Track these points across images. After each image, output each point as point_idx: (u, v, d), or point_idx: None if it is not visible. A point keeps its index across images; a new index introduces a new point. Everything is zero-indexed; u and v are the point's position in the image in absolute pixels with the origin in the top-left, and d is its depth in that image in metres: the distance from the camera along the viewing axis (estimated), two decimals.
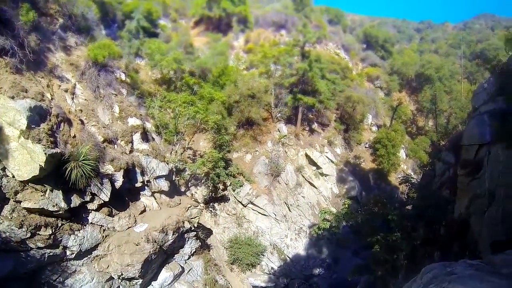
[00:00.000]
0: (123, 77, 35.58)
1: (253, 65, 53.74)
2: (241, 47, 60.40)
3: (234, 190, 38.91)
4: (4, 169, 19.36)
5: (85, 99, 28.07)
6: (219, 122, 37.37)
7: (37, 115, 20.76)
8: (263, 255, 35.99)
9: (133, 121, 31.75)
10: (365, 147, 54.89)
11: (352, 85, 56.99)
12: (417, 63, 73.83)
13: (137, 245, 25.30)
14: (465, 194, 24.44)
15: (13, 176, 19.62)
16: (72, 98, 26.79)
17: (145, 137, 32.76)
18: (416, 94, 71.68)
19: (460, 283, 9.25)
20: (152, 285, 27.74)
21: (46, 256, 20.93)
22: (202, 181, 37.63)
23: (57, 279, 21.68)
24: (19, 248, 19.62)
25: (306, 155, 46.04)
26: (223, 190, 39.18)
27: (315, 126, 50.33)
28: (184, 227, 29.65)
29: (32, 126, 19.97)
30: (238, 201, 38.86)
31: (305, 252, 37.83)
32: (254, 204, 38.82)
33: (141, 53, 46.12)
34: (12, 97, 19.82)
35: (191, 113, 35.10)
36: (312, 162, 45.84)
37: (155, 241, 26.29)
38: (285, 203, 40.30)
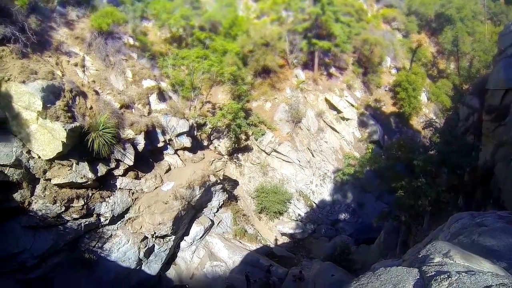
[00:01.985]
0: (131, 41, 34.11)
1: (264, 13, 50.75)
2: None
3: (256, 139, 38.24)
4: (29, 151, 19.37)
5: (96, 70, 27.16)
6: (235, 73, 36.09)
7: (51, 94, 20.27)
8: (290, 203, 35.72)
9: (147, 83, 30.76)
10: (385, 90, 52.21)
11: (368, 27, 52.72)
12: (437, 2, 66.20)
13: (166, 203, 25.33)
14: (490, 140, 23.02)
15: (39, 157, 19.65)
16: (83, 71, 26.01)
17: (162, 97, 31.82)
18: (436, 36, 65.44)
19: (492, 236, 8.54)
20: (185, 240, 28.08)
21: (82, 225, 21.31)
22: (224, 133, 36.92)
23: (96, 245, 22.13)
24: (56, 222, 19.98)
25: (326, 100, 44.34)
26: (246, 140, 38.48)
27: (332, 70, 48.07)
28: (210, 181, 29.38)
29: (48, 105, 19.64)
30: (262, 150, 38.15)
31: (331, 197, 37.36)
32: (278, 152, 38.04)
33: (147, 15, 43.96)
34: (23, 82, 19.25)
35: (205, 67, 33.79)
36: (332, 107, 44.25)
37: (183, 198, 26.22)
38: (308, 149, 39.38)
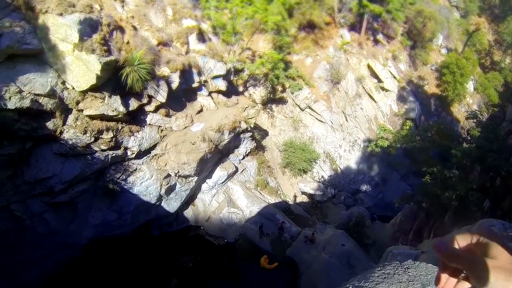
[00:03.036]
0: None
1: None
2: None
3: (292, 93, 36.61)
4: (64, 82, 19.26)
5: (136, 5, 25.94)
6: (279, 23, 33.83)
7: (88, 27, 19.69)
8: (316, 163, 34.76)
9: (188, 22, 29.17)
10: (431, 69, 48.13)
11: None
12: None
13: (193, 144, 24.93)
14: None
15: (73, 88, 19.53)
16: (122, 6, 24.89)
17: (201, 38, 30.28)
18: (497, 24, 58.07)
19: None
20: (207, 183, 27.88)
21: (109, 157, 21.40)
22: (261, 82, 35.23)
23: (120, 177, 22.30)
24: (85, 152, 20.26)
25: (368, 66, 41.71)
26: (282, 92, 36.90)
27: (380, 37, 44.67)
28: (240, 127, 28.58)
29: (84, 38, 19.15)
30: (296, 104, 36.63)
31: (356, 166, 36.16)
32: (312, 109, 36.56)
33: None
34: (61, 14, 18.57)
35: (249, 13, 31.72)
36: (373, 74, 41.70)
37: (211, 140, 25.76)
38: (343, 112, 37.73)
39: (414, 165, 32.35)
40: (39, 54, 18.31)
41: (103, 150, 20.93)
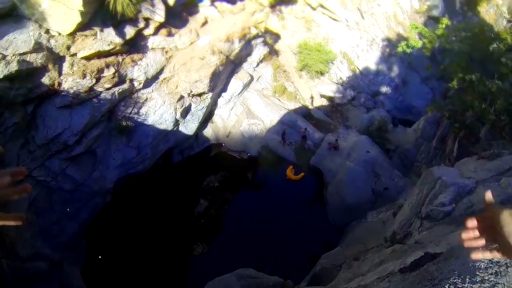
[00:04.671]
0: None
1: None
2: None
3: None
4: (47, 31, 17.19)
5: None
6: None
7: None
8: (333, 63, 31.70)
9: None
10: None
11: None
12: None
13: (202, 59, 22.63)
14: None
15: (59, 34, 17.40)
16: None
17: None
18: None
19: None
20: (223, 97, 26.25)
21: (116, 94, 19.58)
22: None
23: (132, 112, 20.69)
24: (89, 96, 18.55)
25: None
26: None
27: None
28: (250, 33, 25.83)
29: None
30: (307, 3, 32.34)
31: (375, 66, 32.73)
32: (325, 7, 32.26)
33: None
34: None
35: None
36: None
37: (221, 52, 23.36)
38: (358, 9, 33.20)
39: (436, 67, 29.06)
40: (12, 11, 16.14)
41: (108, 89, 19.02)
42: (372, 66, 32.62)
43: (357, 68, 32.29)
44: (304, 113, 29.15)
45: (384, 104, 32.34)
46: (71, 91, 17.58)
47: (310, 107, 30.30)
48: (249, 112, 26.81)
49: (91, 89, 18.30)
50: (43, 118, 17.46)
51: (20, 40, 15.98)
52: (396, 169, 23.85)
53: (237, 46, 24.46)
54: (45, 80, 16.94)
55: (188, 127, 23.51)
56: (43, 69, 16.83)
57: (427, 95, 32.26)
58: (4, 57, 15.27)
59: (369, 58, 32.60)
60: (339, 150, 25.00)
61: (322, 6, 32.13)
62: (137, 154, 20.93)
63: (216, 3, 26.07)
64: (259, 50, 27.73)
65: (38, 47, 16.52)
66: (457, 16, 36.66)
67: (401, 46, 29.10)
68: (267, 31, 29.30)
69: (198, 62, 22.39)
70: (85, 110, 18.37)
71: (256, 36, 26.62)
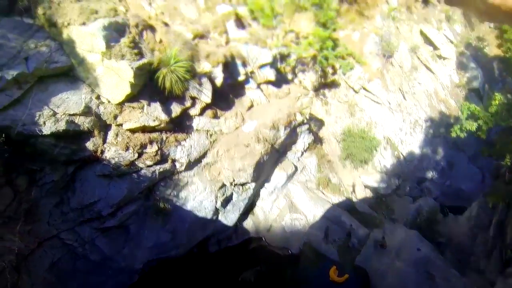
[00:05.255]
0: None
1: None
2: None
3: (344, 74, 31.75)
4: (98, 97, 17.00)
5: (164, 0, 22.56)
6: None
7: (114, 32, 17.22)
8: (376, 150, 30.14)
9: (223, 9, 25.36)
10: (489, 27, 40.33)
11: None
12: None
13: (247, 147, 21.15)
14: None
15: (109, 101, 17.09)
16: (150, 3, 21.74)
17: (240, 24, 26.34)
18: None
19: None
20: (265, 187, 24.07)
21: (157, 172, 18.22)
22: (309, 66, 30.64)
23: (171, 193, 19.14)
24: (130, 170, 17.42)
25: (421, 32, 35.99)
26: (333, 74, 32.08)
27: None
28: (296, 119, 24.59)
29: (111, 44, 17.13)
30: (350, 86, 31.95)
31: (420, 150, 31.21)
32: (367, 90, 31.85)
33: None
34: (84, 23, 16.50)
35: None
36: (428, 41, 35.90)
37: (266, 140, 21.89)
38: (400, 89, 32.64)
39: (482, 144, 27.51)
40: (69, 71, 16.33)
41: (149, 166, 17.80)
42: (416, 150, 31.07)
43: (401, 154, 30.58)
44: (348, 206, 26.67)
45: (431, 191, 30.13)
46: (113, 161, 16.82)
47: (354, 199, 28.09)
48: (292, 206, 24.58)
49: (132, 163, 17.30)
50: (81, 183, 16.68)
51: (72, 101, 16.03)
52: (451, 266, 21.03)
53: (282, 133, 23.14)
54: (89, 145, 16.52)
55: (228, 218, 21.38)
56: (88, 134, 16.54)
57: (476, 176, 30.42)
58: (54, 114, 15.25)
59: (412, 142, 31.21)
60: (387, 249, 22.41)
61: (364, 88, 31.69)
62: (172, 239, 19.00)
63: (262, 86, 25.44)
64: (304, 138, 26.27)
65: (87, 111, 16.39)
66: (497, 84, 35.93)
67: (454, 130, 27.05)
68: (311, 118, 28.48)
69: (243, 150, 20.97)
70: (124, 184, 17.26)
71: (301, 123, 25.42)
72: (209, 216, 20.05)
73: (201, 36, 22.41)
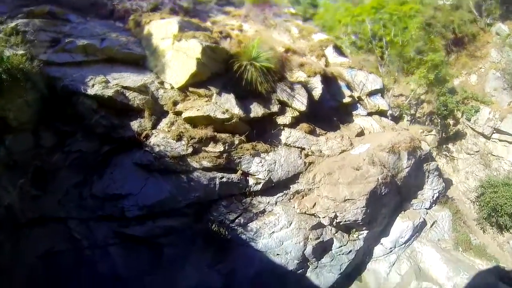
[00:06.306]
0: (292, 10, 29.33)
1: None
2: None
3: (469, 120, 25.82)
4: (162, 82, 13.64)
5: (256, 31, 20.18)
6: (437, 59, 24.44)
7: (193, 27, 15.48)
8: None
9: (319, 37, 22.99)
10: None
11: None
12: None
13: (357, 170, 14.48)
14: None
15: (172, 87, 13.50)
16: (241, 31, 19.66)
17: (340, 52, 22.94)
18: None
19: None
20: (381, 243, 15.97)
21: (217, 182, 12.17)
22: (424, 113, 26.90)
23: (236, 220, 12.43)
24: (177, 168, 11.78)
25: None
26: (455, 125, 26.84)
27: None
28: (421, 149, 17.91)
29: (185, 30, 14.66)
30: (478, 132, 25.53)
31: None
32: (500, 132, 25.08)
33: None
34: (163, 18, 15.90)
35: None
36: None
37: (383, 165, 15.17)
38: None
39: None
40: (140, 60, 14.63)
41: (206, 169, 12.12)
42: None
43: None
44: (501, 275, 17.26)
45: None
46: (156, 149, 11.80)
47: (507, 268, 18.53)
48: (420, 272, 15.90)
49: (182, 158, 11.83)
50: (112, 168, 11.75)
51: (131, 79, 13.05)
52: None
53: (404, 163, 16.35)
54: (134, 125, 12.13)
55: (322, 276, 13.30)
56: (137, 113, 12.45)
57: None
58: (107, 82, 12.35)
59: None
60: None
61: (497, 131, 25.41)
62: (225, 286, 11.52)
63: (375, 117, 20.06)
64: (433, 184, 18.83)
65: (143, 89, 12.88)
66: None
67: None
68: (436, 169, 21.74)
69: (351, 173, 14.25)
70: (166, 185, 11.49)
71: (428, 158, 18.67)
72: (291, 266, 12.58)
73: (294, 51, 18.68)
